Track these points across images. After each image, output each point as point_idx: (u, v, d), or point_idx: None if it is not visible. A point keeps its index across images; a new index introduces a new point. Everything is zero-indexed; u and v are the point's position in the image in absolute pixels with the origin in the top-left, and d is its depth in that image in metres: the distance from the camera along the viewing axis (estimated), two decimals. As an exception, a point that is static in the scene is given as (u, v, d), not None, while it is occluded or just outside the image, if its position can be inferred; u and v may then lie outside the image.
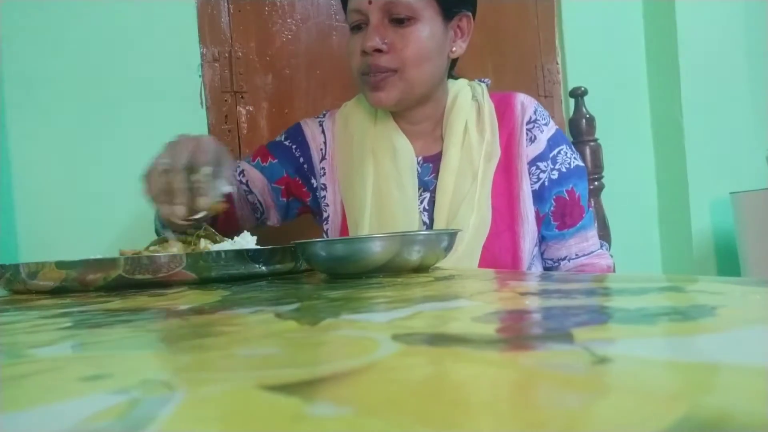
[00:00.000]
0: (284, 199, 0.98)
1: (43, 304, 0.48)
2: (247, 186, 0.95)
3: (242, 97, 1.23)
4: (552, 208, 0.91)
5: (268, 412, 0.15)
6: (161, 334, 0.30)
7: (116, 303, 0.45)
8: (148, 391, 0.17)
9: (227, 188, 0.67)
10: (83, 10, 1.09)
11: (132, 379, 0.19)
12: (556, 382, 0.16)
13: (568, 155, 0.92)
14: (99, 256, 0.60)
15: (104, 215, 1.08)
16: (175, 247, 0.65)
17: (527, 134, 0.90)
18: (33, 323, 0.35)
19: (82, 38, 1.09)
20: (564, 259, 0.93)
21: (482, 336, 0.22)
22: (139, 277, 0.56)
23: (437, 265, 0.62)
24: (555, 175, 0.90)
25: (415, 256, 0.55)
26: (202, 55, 1.19)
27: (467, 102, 0.91)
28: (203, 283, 0.58)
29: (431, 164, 0.90)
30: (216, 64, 1.20)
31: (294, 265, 0.64)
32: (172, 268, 0.56)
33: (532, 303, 0.32)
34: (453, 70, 0.96)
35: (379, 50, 0.82)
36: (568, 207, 0.91)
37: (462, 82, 0.95)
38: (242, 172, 0.96)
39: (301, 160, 0.97)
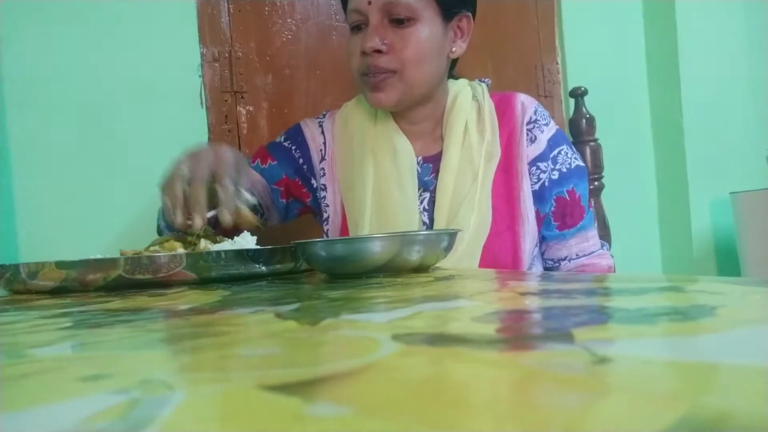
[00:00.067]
0: (284, 201, 0.98)
1: (43, 304, 0.48)
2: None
3: (242, 97, 1.23)
4: (552, 209, 0.91)
5: (268, 412, 0.15)
6: (161, 334, 0.30)
7: (116, 303, 0.45)
8: (148, 391, 0.17)
9: (252, 199, 0.68)
10: (83, 11, 1.09)
11: (132, 379, 0.19)
12: (556, 382, 0.16)
13: (569, 155, 0.92)
14: (99, 256, 0.60)
15: (104, 215, 1.08)
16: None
17: (527, 134, 0.90)
18: (33, 323, 0.35)
19: (82, 38, 1.09)
20: (564, 259, 0.93)
21: (482, 336, 0.22)
22: (139, 277, 0.56)
23: (437, 265, 0.62)
24: (555, 175, 0.90)
25: (415, 256, 0.55)
26: (202, 55, 1.19)
27: (467, 102, 0.91)
28: (203, 283, 0.58)
29: (431, 164, 0.90)
30: (216, 64, 1.20)
31: (294, 265, 0.64)
32: (172, 268, 0.56)
33: (532, 303, 0.32)
34: (453, 70, 0.96)
35: (378, 51, 0.82)
36: (569, 207, 0.91)
37: (462, 82, 0.95)
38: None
39: (301, 161, 0.97)
